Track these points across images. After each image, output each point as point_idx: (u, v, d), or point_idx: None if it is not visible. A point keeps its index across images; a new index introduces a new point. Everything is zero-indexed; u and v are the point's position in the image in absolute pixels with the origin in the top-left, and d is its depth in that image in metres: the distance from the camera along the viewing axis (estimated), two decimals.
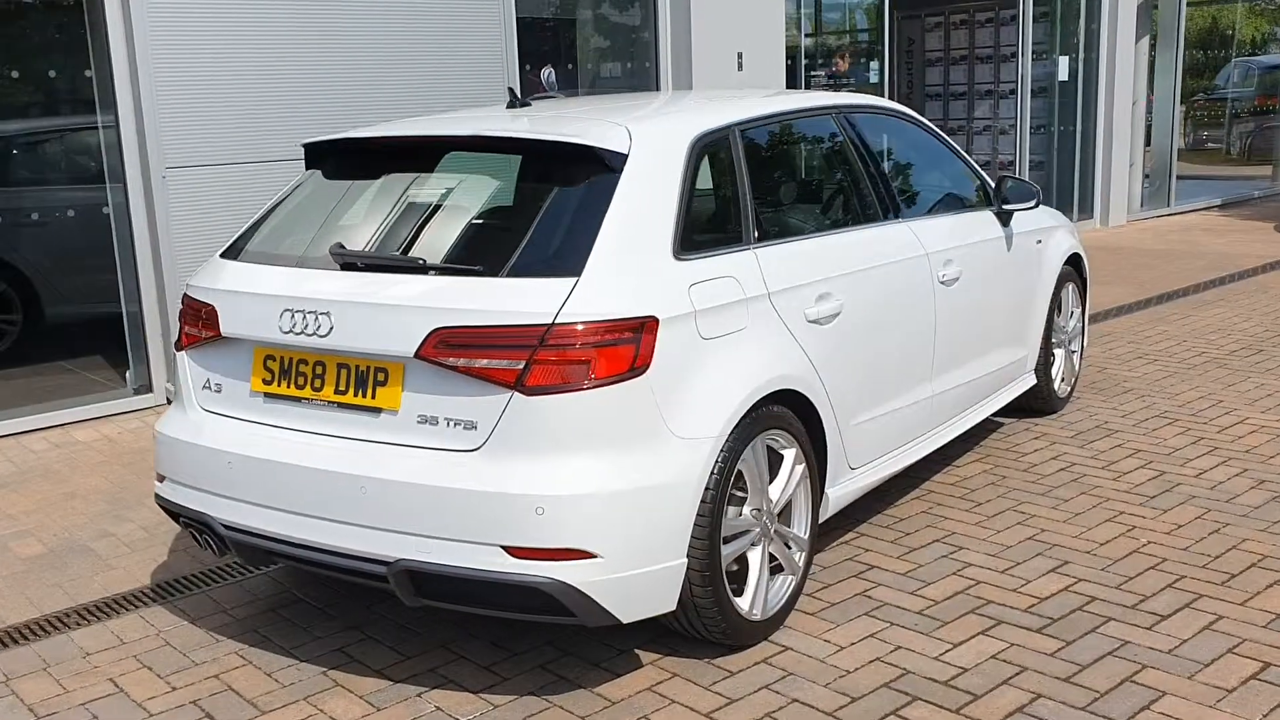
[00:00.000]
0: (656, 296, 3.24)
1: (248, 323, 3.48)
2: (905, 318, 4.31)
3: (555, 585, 3.05)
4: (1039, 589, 3.89)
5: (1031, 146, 11.97)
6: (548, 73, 8.34)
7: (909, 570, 4.08)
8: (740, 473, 3.45)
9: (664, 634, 3.61)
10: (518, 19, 7.60)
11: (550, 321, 3.07)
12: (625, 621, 3.19)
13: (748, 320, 3.51)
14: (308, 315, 3.32)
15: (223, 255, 3.80)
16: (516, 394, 3.07)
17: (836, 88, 11.10)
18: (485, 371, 3.09)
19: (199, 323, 3.64)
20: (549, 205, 3.38)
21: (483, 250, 3.35)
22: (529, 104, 4.13)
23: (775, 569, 3.69)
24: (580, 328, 3.08)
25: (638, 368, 3.15)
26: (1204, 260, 10.18)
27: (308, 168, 3.96)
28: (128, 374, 6.65)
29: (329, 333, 3.28)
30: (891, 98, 12.82)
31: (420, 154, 3.75)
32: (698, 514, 3.26)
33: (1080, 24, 12.15)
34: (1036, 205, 5.18)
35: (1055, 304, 5.63)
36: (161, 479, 3.74)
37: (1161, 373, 6.54)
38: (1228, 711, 3.12)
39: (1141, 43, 12.85)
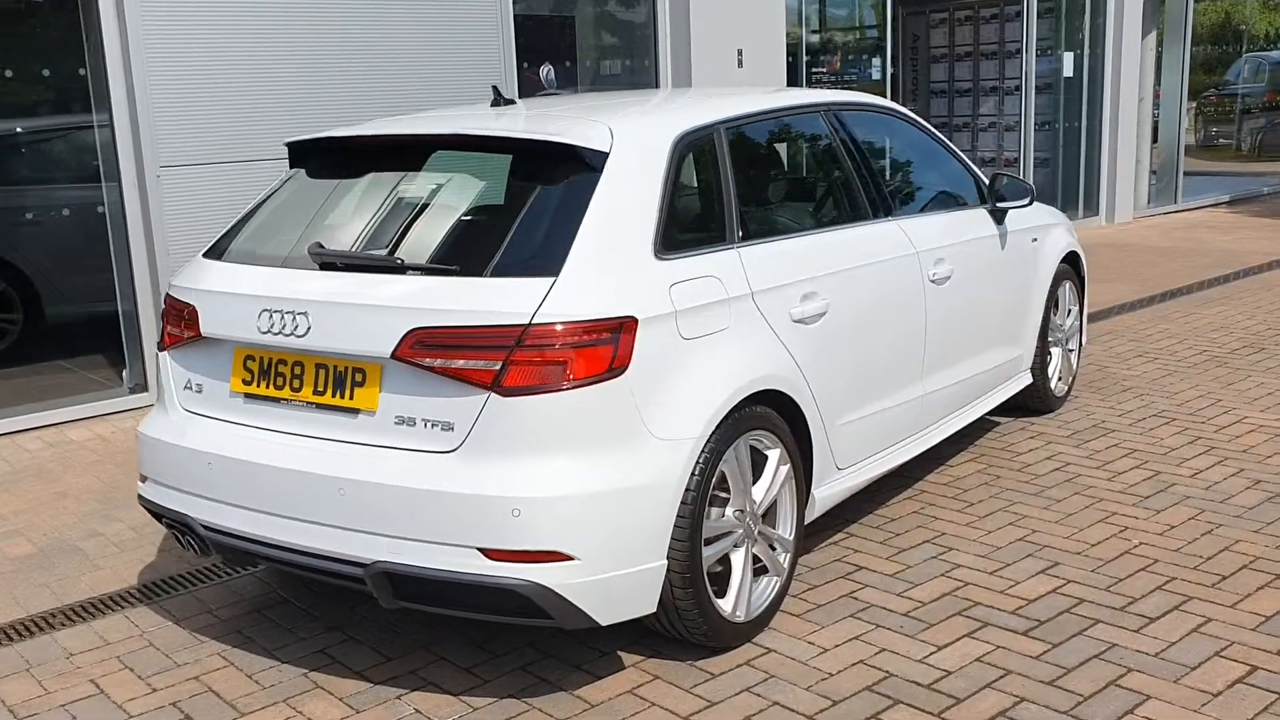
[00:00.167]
0: (636, 296, 3.21)
1: (227, 323, 3.47)
2: (894, 317, 4.28)
3: (532, 588, 3.02)
4: (1027, 590, 3.86)
5: (1037, 143, 11.92)
6: (546, 70, 8.32)
7: (897, 571, 4.05)
8: (723, 473, 3.43)
9: (647, 635, 3.58)
10: (515, 16, 7.57)
11: (527, 322, 3.05)
12: (604, 624, 3.17)
13: (730, 320, 3.48)
14: (286, 315, 3.30)
15: (205, 255, 3.79)
16: (493, 395, 3.05)
17: (840, 85, 11.05)
18: (462, 372, 3.07)
19: (180, 323, 3.63)
20: (529, 205, 3.36)
21: (461, 250, 3.32)
22: (513, 102, 4.11)
23: (760, 570, 3.66)
24: (558, 328, 3.06)
25: (616, 368, 3.12)
26: (1209, 258, 10.11)
27: (291, 167, 3.95)
28: (124, 373, 6.65)
29: (306, 333, 3.26)
30: (896, 94, 12.82)
31: (402, 153, 3.73)
32: (678, 515, 3.23)
33: (1085, 19, 12.08)
34: (1030, 203, 5.13)
35: (1052, 302, 5.59)
36: (144, 479, 3.73)
37: (1161, 371, 6.49)
38: (1212, 716, 3.08)
39: (1148, 38, 12.77)
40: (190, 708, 3.37)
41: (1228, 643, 3.46)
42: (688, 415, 3.26)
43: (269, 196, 3.92)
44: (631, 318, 3.16)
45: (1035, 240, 5.41)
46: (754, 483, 3.58)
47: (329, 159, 3.88)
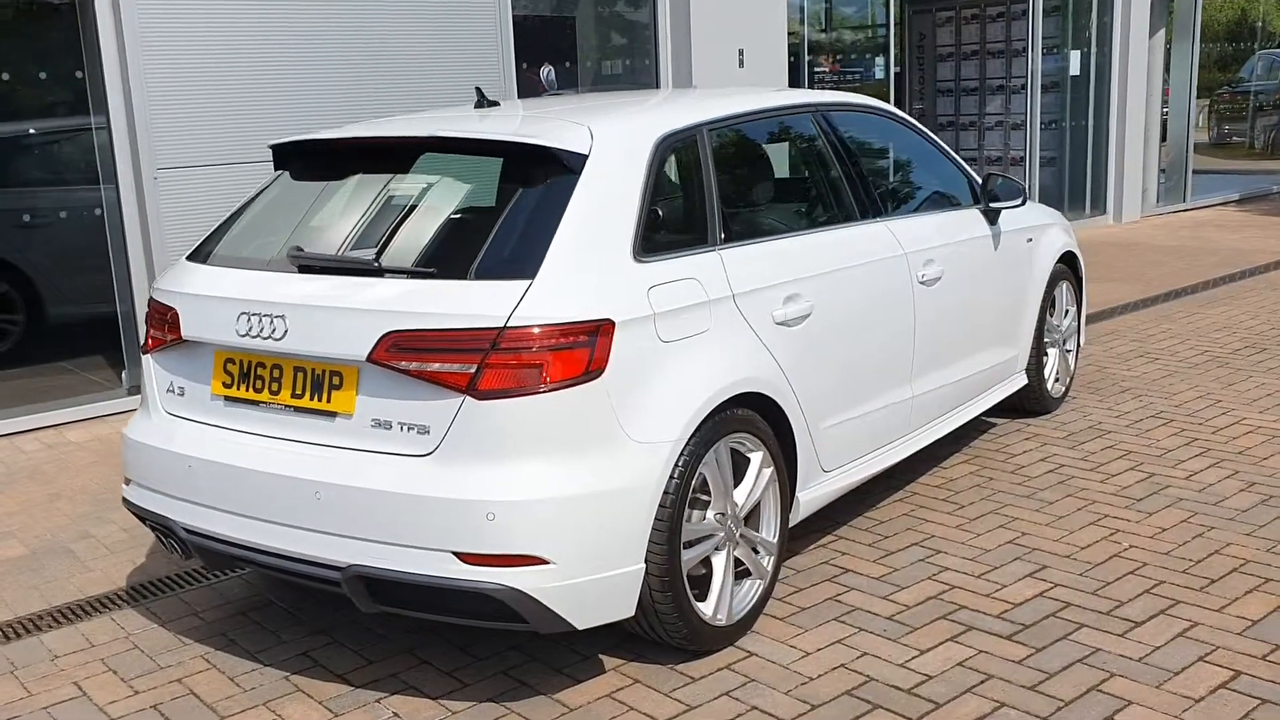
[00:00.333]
0: (613, 299, 3.20)
1: (206, 326, 3.47)
2: (882, 319, 4.25)
3: (506, 592, 3.02)
4: (1013, 594, 3.83)
5: (1043, 142, 11.86)
6: (547, 71, 8.32)
7: (884, 574, 4.03)
8: (703, 476, 3.41)
9: (630, 639, 3.57)
10: (514, 17, 7.57)
11: (502, 325, 3.04)
12: (580, 628, 3.16)
13: (710, 322, 3.47)
14: (264, 318, 3.30)
15: (189, 258, 3.79)
16: (468, 398, 3.04)
17: (844, 84, 11.02)
18: (437, 375, 3.06)
19: (163, 326, 3.64)
20: (508, 207, 3.35)
21: (438, 253, 3.32)
22: (497, 104, 4.10)
23: (743, 573, 3.65)
24: (534, 331, 3.05)
25: (592, 371, 3.11)
26: (1216, 257, 10.05)
27: (275, 169, 3.95)
28: (123, 374, 6.67)
29: (284, 336, 3.26)
30: (903, 92, 12.79)
31: (383, 155, 3.73)
32: (656, 519, 3.22)
33: (1093, 17, 12.01)
34: (1023, 203, 5.10)
35: (1048, 303, 5.55)
36: (128, 482, 3.74)
37: (1161, 372, 6.45)
38: None
39: (1157, 36, 12.69)
40: (171, 710, 3.37)
41: (1213, 647, 3.42)
42: (666, 418, 3.25)
43: (253, 199, 3.92)
44: (608, 320, 3.15)
45: (1030, 240, 5.38)
46: (736, 486, 3.57)
47: (311, 161, 3.88)
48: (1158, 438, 5.32)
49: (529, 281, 3.10)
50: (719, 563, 3.52)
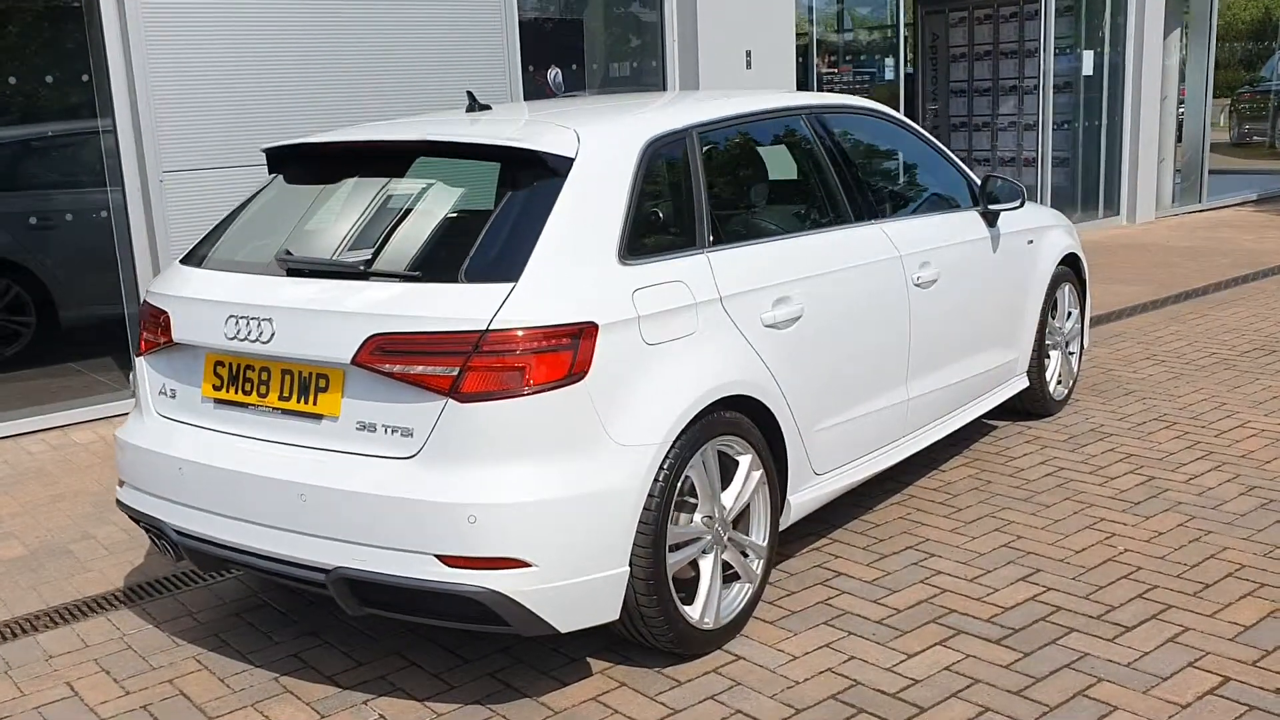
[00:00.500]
0: (596, 302, 3.20)
1: (197, 329, 3.49)
2: (875, 321, 4.24)
3: (489, 595, 3.02)
4: (1005, 598, 3.81)
5: (1056, 142, 11.80)
6: (554, 74, 8.32)
7: (876, 578, 4.02)
8: (690, 479, 3.41)
9: (618, 641, 3.57)
10: (520, 19, 7.58)
11: (484, 327, 3.05)
12: (563, 631, 3.16)
13: (697, 325, 3.47)
14: (252, 322, 3.32)
15: (182, 262, 3.82)
16: (451, 401, 3.05)
17: (854, 86, 10.99)
18: (421, 378, 3.07)
19: (156, 329, 3.66)
20: (494, 211, 3.35)
21: (424, 256, 3.32)
22: (488, 108, 4.12)
23: (732, 577, 3.64)
24: (516, 334, 3.06)
25: (575, 374, 3.12)
26: (1229, 258, 9.97)
27: (270, 173, 3.97)
28: (130, 375, 6.70)
29: (271, 339, 3.28)
30: (915, 93, 12.75)
31: (374, 159, 3.75)
32: (640, 522, 3.22)
33: (1106, 17, 11.94)
34: (1022, 205, 5.07)
35: (1049, 305, 5.52)
36: (122, 484, 3.77)
37: (1167, 374, 6.40)
38: None
39: (1172, 36, 12.61)
40: (160, 711, 3.40)
41: (1203, 653, 3.40)
42: (650, 421, 3.25)
43: (247, 203, 3.94)
44: (591, 323, 3.15)
45: (1031, 242, 5.35)
46: (725, 489, 3.57)
47: (303, 165, 3.90)
48: (1159, 440, 5.29)
49: (512, 284, 3.11)
50: (706, 566, 3.52)
